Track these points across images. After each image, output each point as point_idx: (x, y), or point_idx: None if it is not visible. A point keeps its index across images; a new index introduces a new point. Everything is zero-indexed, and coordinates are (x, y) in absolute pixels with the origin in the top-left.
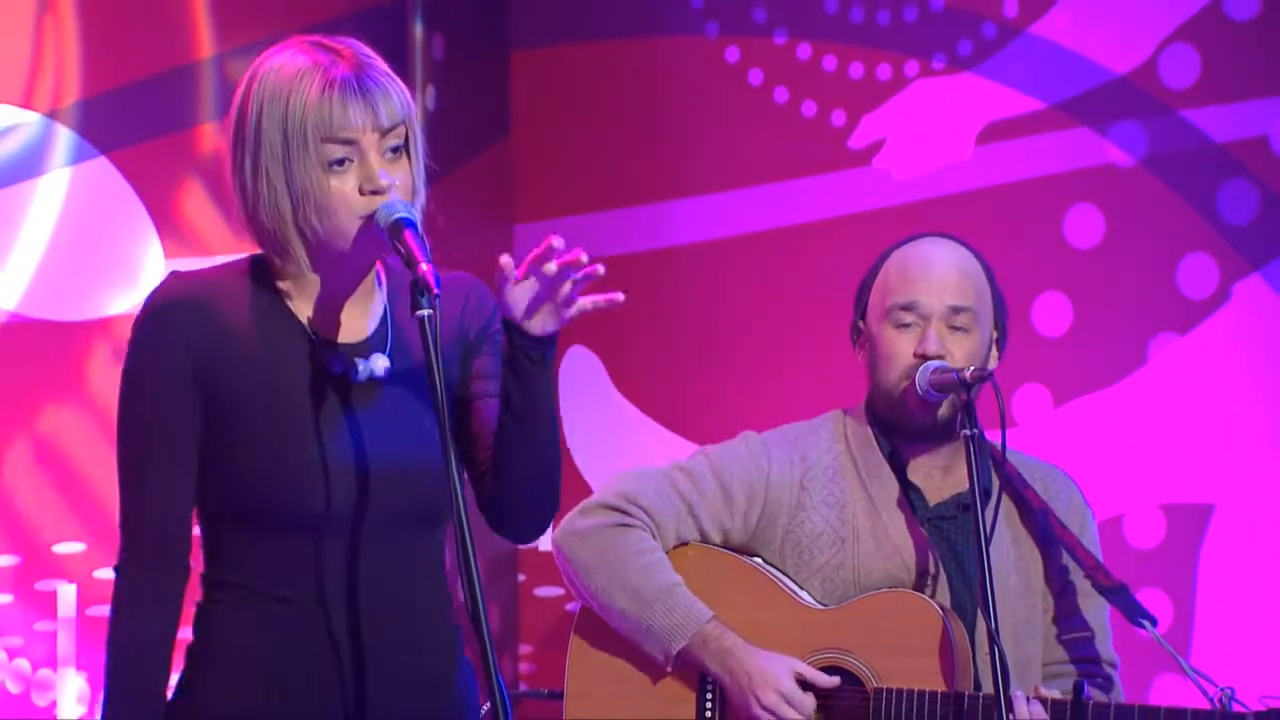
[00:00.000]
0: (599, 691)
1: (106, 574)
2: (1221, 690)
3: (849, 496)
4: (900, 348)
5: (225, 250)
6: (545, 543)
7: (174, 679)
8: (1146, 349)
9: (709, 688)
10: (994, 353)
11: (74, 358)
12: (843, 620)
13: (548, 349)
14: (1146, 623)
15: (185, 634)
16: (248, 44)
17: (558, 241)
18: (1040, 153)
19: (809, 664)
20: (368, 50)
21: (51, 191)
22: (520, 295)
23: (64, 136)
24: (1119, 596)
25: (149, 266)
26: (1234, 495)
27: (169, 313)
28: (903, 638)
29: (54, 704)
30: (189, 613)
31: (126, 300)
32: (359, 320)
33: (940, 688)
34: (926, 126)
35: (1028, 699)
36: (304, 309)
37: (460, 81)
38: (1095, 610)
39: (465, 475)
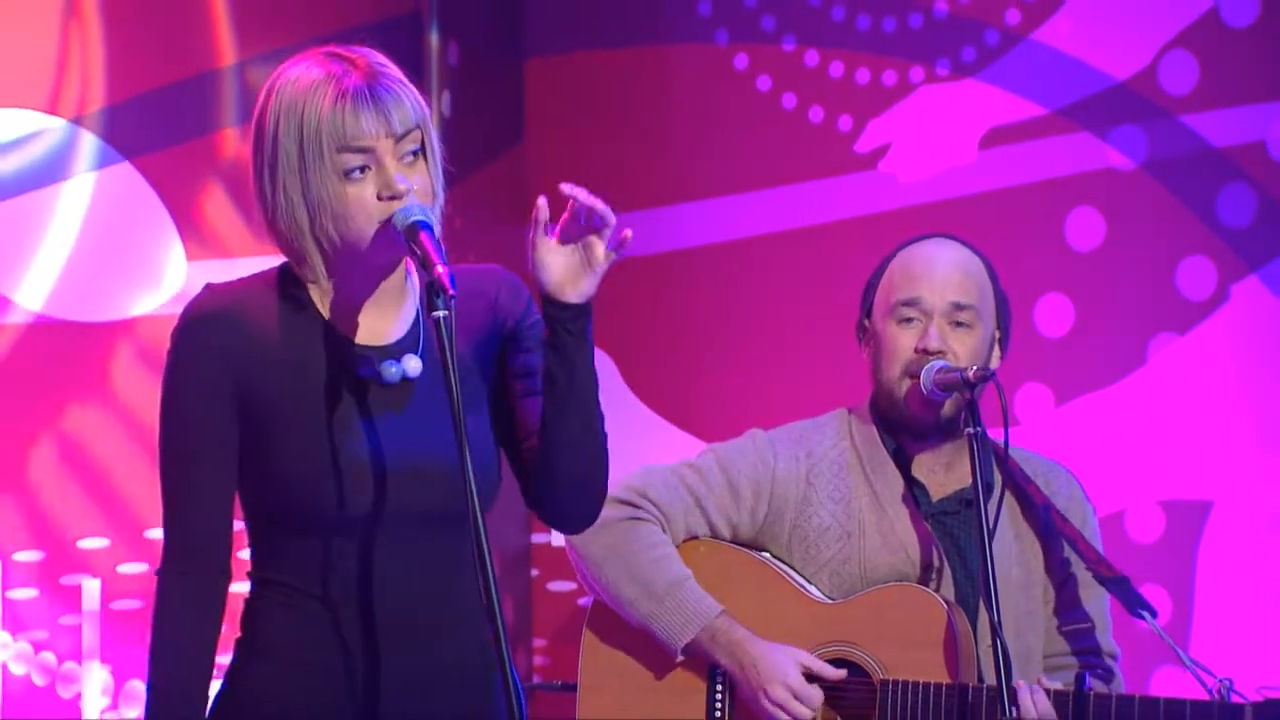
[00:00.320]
0: (611, 684)
1: (130, 569)
2: (1220, 681)
3: (854, 492)
4: (902, 343)
5: (246, 252)
6: (558, 538)
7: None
8: (1146, 349)
9: (719, 680)
10: (996, 351)
11: (98, 357)
12: (849, 613)
13: (586, 320)
14: (1146, 614)
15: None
16: (268, 51)
17: (567, 188)
18: (1042, 157)
19: (816, 656)
20: (382, 59)
21: (77, 195)
22: (554, 260)
23: (89, 142)
24: (1120, 588)
25: (172, 268)
26: (1232, 492)
27: (202, 325)
28: (908, 631)
29: (78, 696)
30: (236, 608)
31: (150, 301)
32: (390, 323)
33: (945, 679)
34: (931, 131)
35: (1030, 688)
36: (333, 313)
37: (476, 88)
38: (1096, 602)
39: (515, 473)
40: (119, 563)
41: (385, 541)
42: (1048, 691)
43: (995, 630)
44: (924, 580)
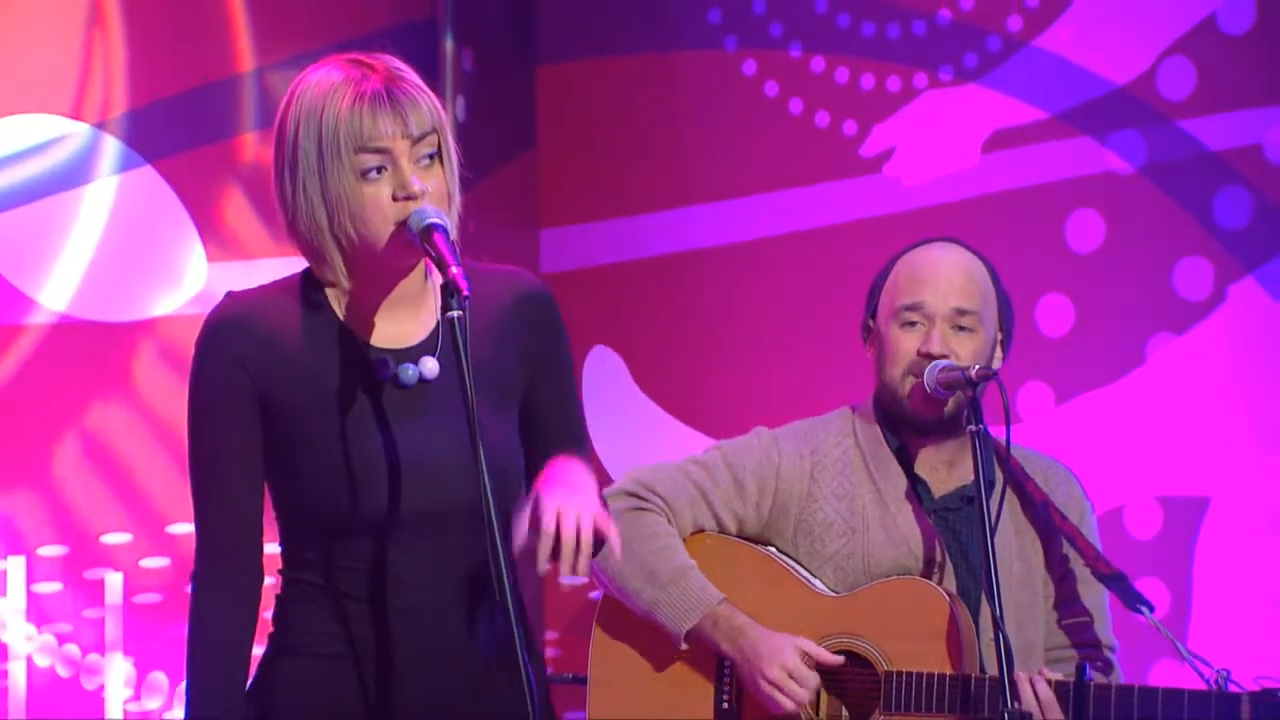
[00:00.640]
0: (621, 676)
1: (151, 563)
2: (1217, 672)
3: (858, 489)
4: (905, 346)
5: (265, 253)
6: None
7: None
8: (1145, 348)
9: (726, 673)
10: (998, 352)
11: (120, 357)
12: (854, 606)
13: None
14: (1144, 609)
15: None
16: (287, 58)
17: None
18: (1043, 160)
19: (821, 647)
20: (399, 64)
21: (99, 198)
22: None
23: (111, 146)
24: (1118, 584)
25: (192, 269)
26: (1228, 488)
27: (224, 333)
28: (911, 623)
29: (101, 687)
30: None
31: (171, 302)
32: (409, 326)
33: (948, 670)
34: (934, 135)
35: (1031, 678)
36: (352, 317)
37: (489, 94)
38: (1094, 597)
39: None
40: (141, 557)
41: (406, 539)
42: (1049, 683)
43: (997, 624)
44: (926, 574)
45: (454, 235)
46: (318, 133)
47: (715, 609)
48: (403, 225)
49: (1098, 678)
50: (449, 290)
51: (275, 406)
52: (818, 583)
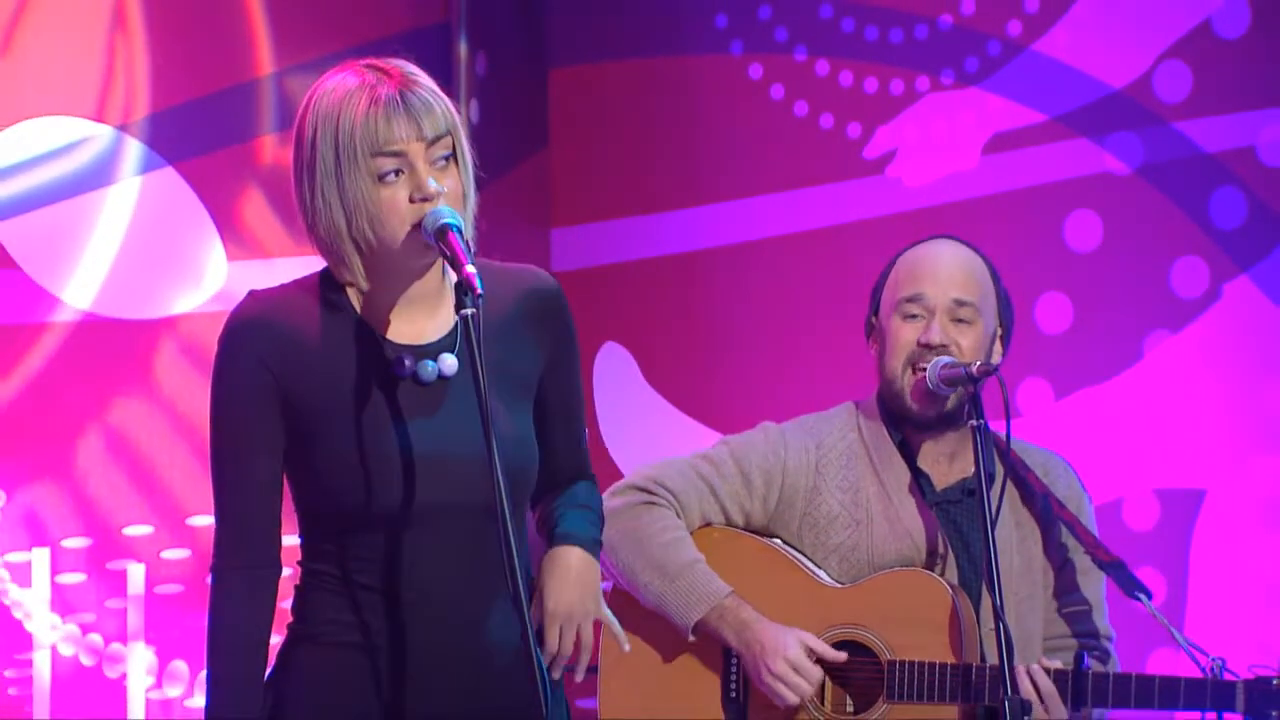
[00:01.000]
0: (631, 667)
1: (173, 554)
2: (1213, 660)
3: (862, 482)
4: (906, 336)
5: (283, 253)
6: None
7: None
8: (1142, 345)
9: (733, 664)
10: (998, 347)
11: (142, 353)
12: (858, 597)
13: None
14: (1142, 596)
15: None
16: (305, 62)
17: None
18: (1042, 162)
19: (826, 637)
20: (414, 69)
21: (122, 199)
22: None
23: (134, 148)
24: (1117, 571)
25: (212, 268)
26: (1224, 481)
27: (245, 331)
28: (914, 613)
29: (124, 676)
30: (286, 591)
31: (191, 300)
32: (428, 324)
33: (949, 660)
34: (936, 137)
35: (1030, 670)
36: (371, 315)
37: (502, 96)
38: (1093, 587)
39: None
40: (162, 549)
41: (423, 533)
42: (1048, 671)
43: (998, 614)
44: (929, 565)
45: (469, 234)
46: (334, 137)
47: (722, 601)
48: (418, 226)
49: (1095, 666)
50: (462, 289)
51: (295, 402)
52: (822, 574)
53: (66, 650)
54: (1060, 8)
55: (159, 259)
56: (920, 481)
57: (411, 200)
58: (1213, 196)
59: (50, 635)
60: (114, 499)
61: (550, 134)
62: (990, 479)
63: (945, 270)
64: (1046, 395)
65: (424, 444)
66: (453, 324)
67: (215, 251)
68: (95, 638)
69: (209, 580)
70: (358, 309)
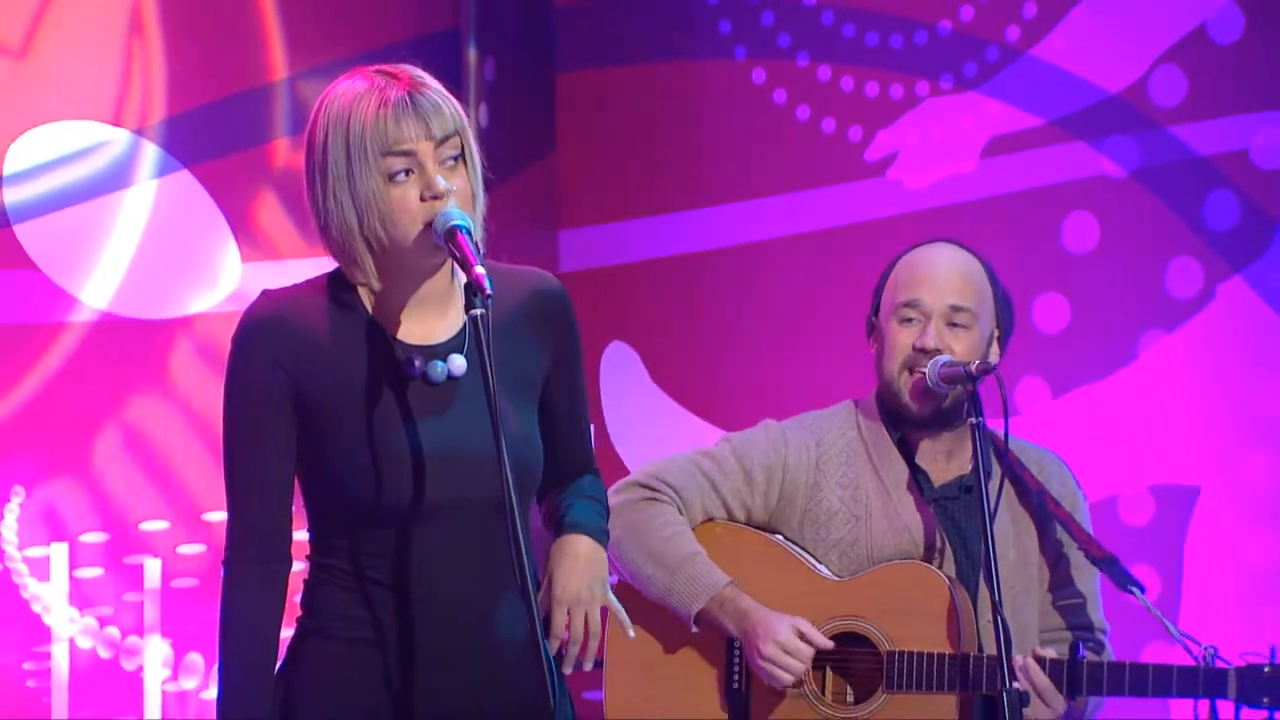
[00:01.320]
0: (636, 660)
1: (188, 549)
2: (1204, 649)
3: (861, 478)
4: (902, 340)
5: (296, 254)
6: None
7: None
8: (1137, 345)
9: (736, 654)
10: (995, 348)
11: (159, 352)
12: (857, 589)
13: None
14: (1135, 589)
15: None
16: (317, 67)
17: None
18: (1040, 165)
19: (826, 629)
20: (422, 73)
21: (139, 202)
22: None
23: (150, 151)
24: (1110, 566)
25: (227, 269)
26: (1218, 478)
27: (259, 330)
28: (912, 604)
29: (140, 668)
30: (295, 587)
31: (206, 300)
32: (438, 324)
33: (947, 650)
34: (936, 141)
35: (1026, 663)
36: (382, 315)
37: (510, 101)
38: (1087, 581)
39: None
40: (178, 544)
41: (431, 529)
42: (1043, 660)
43: (996, 607)
44: (927, 560)
45: (478, 235)
46: (345, 139)
47: (722, 591)
48: (428, 227)
49: (1090, 655)
50: (471, 289)
51: (308, 400)
52: (822, 568)
53: (84, 643)
54: (1057, 14)
55: (175, 260)
56: (918, 479)
57: (422, 199)
58: (1207, 199)
59: (68, 628)
60: (131, 495)
61: (558, 138)
62: (988, 476)
63: (942, 276)
64: (1044, 393)
65: (434, 443)
66: (461, 324)
67: (229, 253)
68: (112, 631)
69: (221, 573)
70: (369, 309)
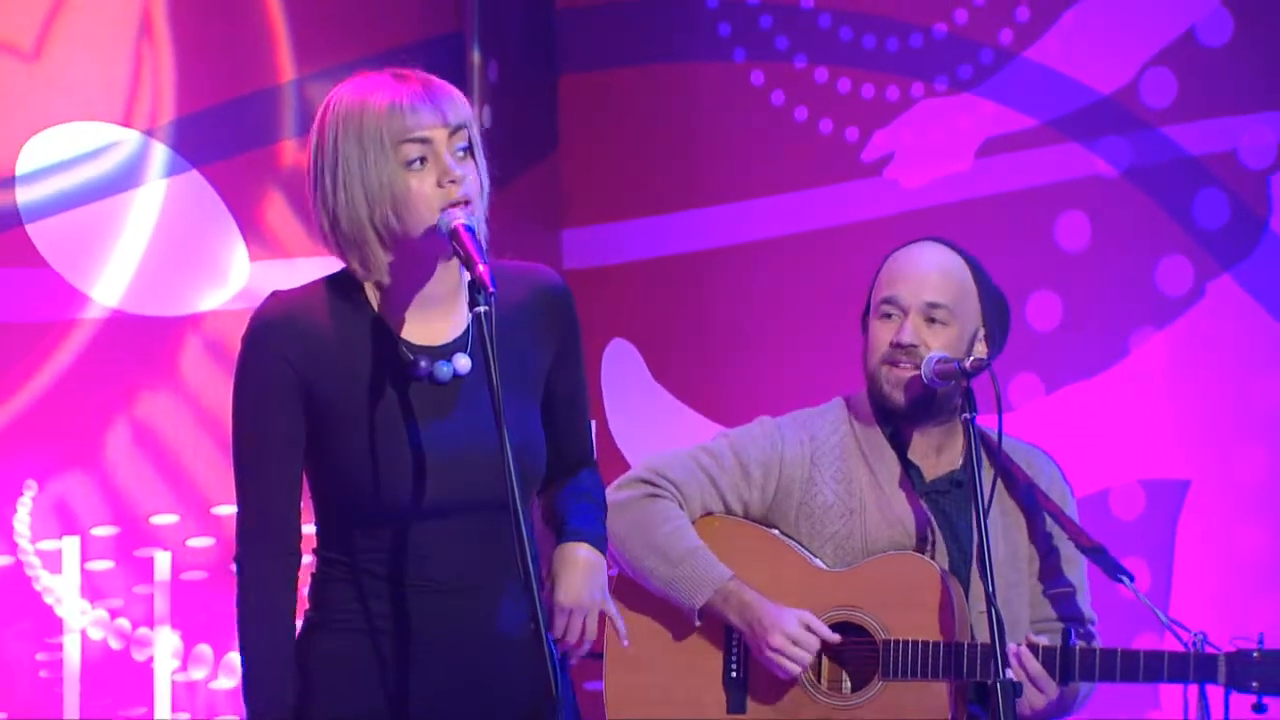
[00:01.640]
0: (635, 650)
1: (198, 543)
2: (1194, 635)
3: (855, 473)
4: (881, 335)
5: (303, 253)
6: None
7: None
8: (1128, 342)
9: (734, 644)
10: (980, 346)
11: (168, 349)
12: (853, 580)
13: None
14: (1125, 578)
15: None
16: (325, 68)
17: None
18: (1033, 165)
19: (824, 619)
20: (428, 75)
21: (149, 201)
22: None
23: (160, 152)
24: (1099, 556)
25: (236, 268)
26: (1207, 472)
27: (268, 330)
28: (907, 595)
29: (151, 659)
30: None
31: (215, 298)
32: (443, 323)
33: (941, 639)
34: (931, 141)
35: (1018, 652)
36: (389, 315)
37: (514, 102)
38: (1076, 572)
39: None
40: (188, 537)
41: (434, 525)
42: (1036, 648)
43: (989, 598)
44: (919, 552)
45: (482, 230)
46: (358, 133)
47: (725, 585)
48: (434, 227)
49: (1081, 643)
50: (476, 287)
51: (315, 399)
52: (818, 560)
53: (96, 634)
54: (1050, 17)
55: (184, 259)
56: (910, 473)
57: (440, 184)
58: (1196, 198)
59: (80, 620)
60: (141, 489)
61: (560, 138)
62: (980, 469)
63: (920, 273)
64: (1037, 390)
65: (439, 442)
66: (466, 325)
67: (238, 251)
68: (123, 622)
69: (234, 568)
70: (375, 308)
